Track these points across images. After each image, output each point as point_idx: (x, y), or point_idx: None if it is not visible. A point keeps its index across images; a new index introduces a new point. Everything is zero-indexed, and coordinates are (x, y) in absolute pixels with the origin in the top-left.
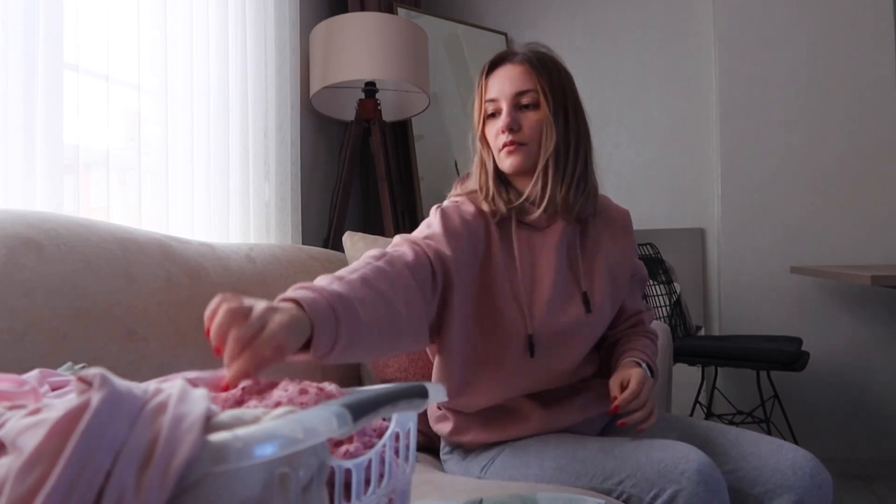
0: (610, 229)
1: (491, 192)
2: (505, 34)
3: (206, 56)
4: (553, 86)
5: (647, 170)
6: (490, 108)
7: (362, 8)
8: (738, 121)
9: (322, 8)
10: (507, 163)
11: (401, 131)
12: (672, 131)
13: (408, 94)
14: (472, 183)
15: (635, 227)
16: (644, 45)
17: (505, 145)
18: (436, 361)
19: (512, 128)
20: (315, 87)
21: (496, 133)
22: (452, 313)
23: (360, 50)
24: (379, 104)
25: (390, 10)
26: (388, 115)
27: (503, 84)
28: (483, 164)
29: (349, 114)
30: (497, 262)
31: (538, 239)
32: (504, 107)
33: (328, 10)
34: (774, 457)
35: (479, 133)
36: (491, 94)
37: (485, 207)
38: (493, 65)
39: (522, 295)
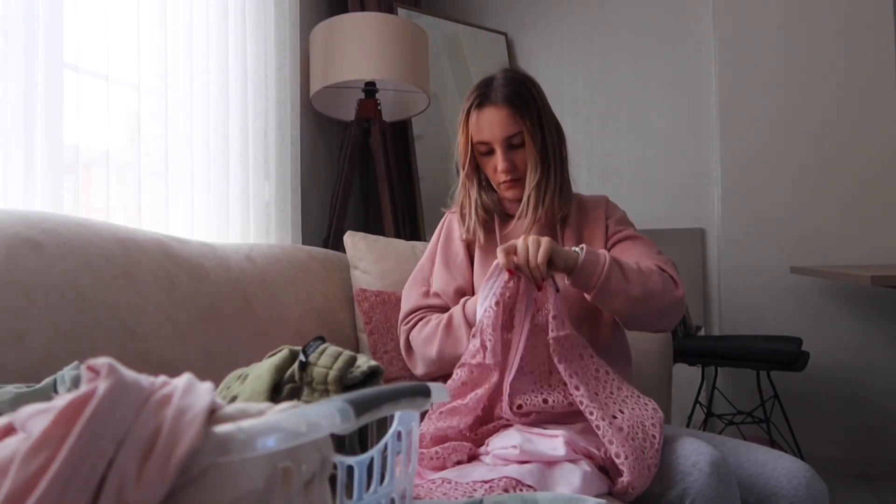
0: (582, 216)
1: (473, 225)
2: (505, 34)
3: (206, 56)
4: (535, 122)
5: (647, 170)
6: (483, 148)
7: (362, 8)
8: (738, 121)
9: (322, 8)
10: (507, 194)
11: (401, 131)
12: (672, 131)
13: (408, 94)
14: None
15: (636, 227)
16: (644, 45)
17: (504, 182)
18: None
19: (509, 169)
20: (315, 87)
21: (493, 170)
22: None
23: (360, 50)
24: (379, 104)
25: (390, 10)
26: (388, 115)
27: (493, 129)
28: (468, 193)
29: (349, 114)
30: (481, 253)
31: (518, 227)
32: (498, 151)
33: (328, 10)
34: (771, 466)
35: (466, 165)
36: (483, 137)
37: (462, 234)
38: (479, 103)
39: None
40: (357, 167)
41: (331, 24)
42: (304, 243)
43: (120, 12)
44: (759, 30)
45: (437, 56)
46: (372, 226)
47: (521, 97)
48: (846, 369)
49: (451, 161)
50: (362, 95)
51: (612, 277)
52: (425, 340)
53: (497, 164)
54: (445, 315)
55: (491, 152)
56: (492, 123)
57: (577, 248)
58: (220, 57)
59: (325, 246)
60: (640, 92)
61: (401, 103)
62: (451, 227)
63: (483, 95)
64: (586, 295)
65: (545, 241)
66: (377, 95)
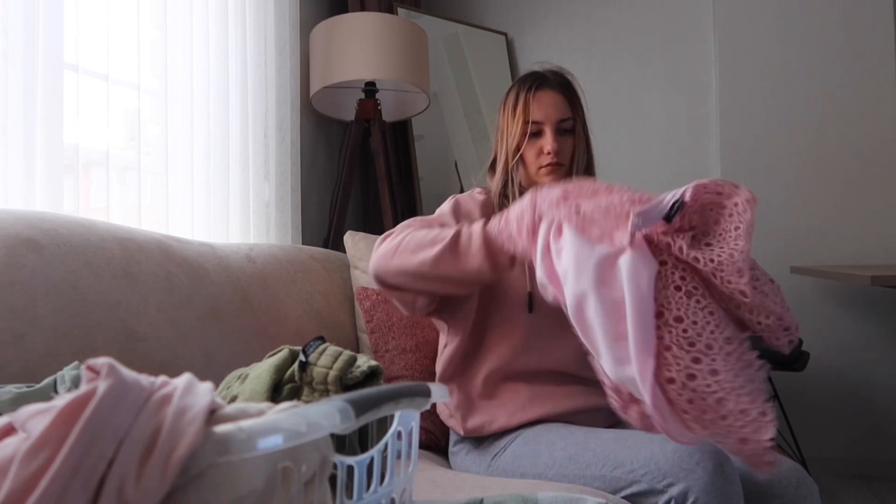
0: None
1: (509, 199)
2: (505, 34)
3: (206, 56)
4: (581, 116)
5: (647, 170)
6: (534, 128)
7: (362, 8)
8: (738, 121)
9: (322, 8)
10: (546, 179)
11: (401, 131)
12: (672, 131)
13: (408, 94)
14: (492, 183)
15: None
16: (644, 45)
17: (547, 165)
18: (442, 334)
19: (557, 150)
20: (315, 87)
21: (537, 152)
22: None
23: (360, 50)
24: (379, 104)
25: (390, 10)
26: (388, 115)
27: (547, 110)
28: (511, 178)
29: (349, 114)
30: None
31: None
32: (549, 132)
33: (328, 10)
34: None
35: (515, 146)
36: (536, 116)
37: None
38: (536, 87)
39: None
40: (357, 167)
41: (331, 24)
42: (304, 243)
43: (120, 12)
44: (759, 29)
45: (437, 56)
46: (372, 226)
47: (573, 90)
48: (846, 369)
49: (452, 161)
50: (362, 95)
51: None
52: (419, 243)
53: (544, 146)
54: (453, 229)
55: (538, 133)
56: (546, 105)
57: None
58: (220, 57)
59: (325, 246)
60: (640, 92)
61: (401, 103)
62: (463, 202)
63: (539, 79)
64: None
65: None
66: (377, 95)
